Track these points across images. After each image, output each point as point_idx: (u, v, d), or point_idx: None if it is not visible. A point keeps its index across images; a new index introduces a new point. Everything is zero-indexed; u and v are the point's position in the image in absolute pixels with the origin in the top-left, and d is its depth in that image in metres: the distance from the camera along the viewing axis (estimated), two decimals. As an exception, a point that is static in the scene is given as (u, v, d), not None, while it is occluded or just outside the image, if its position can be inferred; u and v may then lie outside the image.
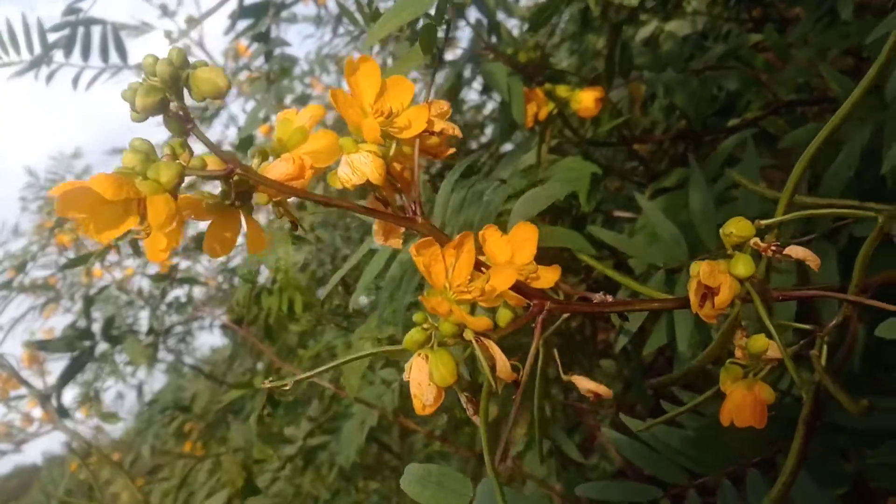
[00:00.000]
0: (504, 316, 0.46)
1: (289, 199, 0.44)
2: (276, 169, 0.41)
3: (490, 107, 1.83)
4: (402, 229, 0.47)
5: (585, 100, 0.88)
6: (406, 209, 0.46)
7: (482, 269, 0.46)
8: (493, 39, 1.01)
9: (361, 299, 1.95)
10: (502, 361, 0.42)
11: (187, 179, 0.40)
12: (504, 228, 0.50)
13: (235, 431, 1.39)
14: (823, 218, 0.76)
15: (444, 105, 0.47)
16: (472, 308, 0.43)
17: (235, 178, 0.41)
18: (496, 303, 0.44)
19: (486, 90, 1.13)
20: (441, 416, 2.25)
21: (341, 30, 1.79)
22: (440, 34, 0.59)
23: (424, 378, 0.41)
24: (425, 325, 0.42)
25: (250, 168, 0.41)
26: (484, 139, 2.12)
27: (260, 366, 2.40)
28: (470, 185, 0.75)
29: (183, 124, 0.40)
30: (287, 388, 0.46)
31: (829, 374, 0.48)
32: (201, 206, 0.42)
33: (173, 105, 0.39)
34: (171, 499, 2.21)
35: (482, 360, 0.42)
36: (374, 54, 1.36)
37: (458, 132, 0.47)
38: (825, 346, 0.54)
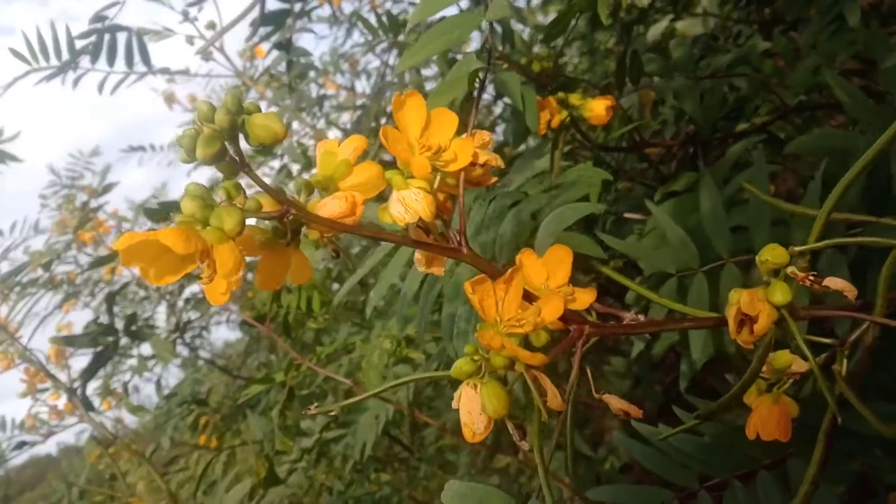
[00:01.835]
0: (540, 337, 0.47)
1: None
2: (329, 207, 0.42)
3: (501, 107, 1.86)
4: (445, 258, 0.48)
5: (597, 108, 0.91)
6: (448, 238, 0.47)
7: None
8: (507, 48, 1.04)
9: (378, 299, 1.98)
10: (552, 391, 0.43)
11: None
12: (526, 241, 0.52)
13: (254, 424, 1.43)
14: (836, 227, 0.78)
15: (487, 136, 0.48)
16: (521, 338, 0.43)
17: (290, 217, 0.41)
18: (538, 329, 0.45)
19: (499, 95, 1.16)
20: (452, 411, 2.28)
21: (355, 32, 1.83)
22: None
23: (475, 408, 0.41)
24: (475, 357, 0.43)
25: (304, 207, 0.42)
26: (495, 137, 2.15)
27: (274, 358, 2.45)
28: (490, 199, 0.76)
29: (238, 168, 0.40)
30: (332, 413, 0.47)
31: (852, 389, 0.50)
32: (254, 244, 0.42)
33: (230, 151, 0.39)
34: (190, 489, 2.26)
35: (534, 391, 0.42)
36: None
37: (500, 163, 0.48)
38: (845, 360, 0.57)
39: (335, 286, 1.79)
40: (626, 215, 1.23)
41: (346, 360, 1.63)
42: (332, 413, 0.49)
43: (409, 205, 0.43)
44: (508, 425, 0.44)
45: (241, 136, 0.40)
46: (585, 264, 1.16)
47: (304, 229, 0.44)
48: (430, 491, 2.63)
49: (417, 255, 0.49)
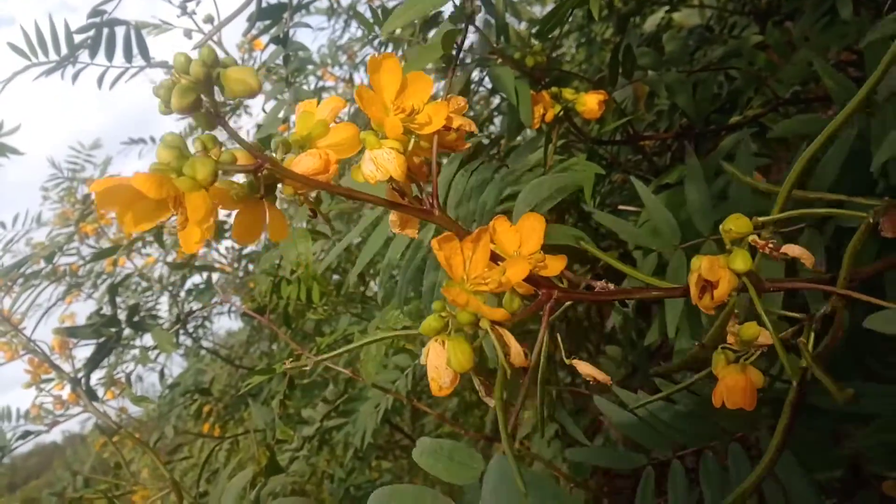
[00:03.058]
0: (512, 301, 0.49)
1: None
2: (303, 163, 0.43)
3: (498, 99, 1.86)
4: (418, 220, 0.49)
5: (589, 102, 0.92)
6: (422, 201, 0.48)
7: (493, 259, 0.47)
8: (502, 41, 1.05)
9: (374, 286, 2.00)
10: (516, 348, 0.44)
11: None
12: (508, 215, 0.53)
13: (256, 413, 1.45)
14: (814, 207, 0.80)
15: (462, 101, 0.49)
16: (486, 296, 0.45)
17: (264, 172, 0.42)
18: (506, 290, 0.46)
19: (495, 90, 1.17)
20: (452, 398, 2.31)
21: (353, 24, 1.83)
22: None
23: (442, 363, 0.43)
24: (442, 314, 0.44)
25: (278, 162, 0.43)
26: (493, 128, 2.16)
27: (276, 349, 2.47)
28: (473, 169, 0.78)
29: (214, 120, 0.41)
30: (307, 368, 0.49)
31: (816, 361, 0.51)
32: (229, 197, 0.43)
33: (205, 102, 0.40)
34: (193, 477, 2.29)
35: (497, 347, 0.44)
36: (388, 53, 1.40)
37: (473, 128, 0.49)
38: (812, 334, 0.59)
39: (335, 277, 1.81)
40: (621, 207, 1.25)
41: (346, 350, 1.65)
42: (307, 367, 0.51)
43: (380, 164, 0.44)
44: (475, 380, 0.46)
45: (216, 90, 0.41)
46: (581, 255, 1.18)
47: (279, 186, 0.45)
48: (431, 479, 2.67)
49: (392, 216, 0.50)
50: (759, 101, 1.18)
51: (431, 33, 0.97)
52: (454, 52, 0.73)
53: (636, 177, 1.33)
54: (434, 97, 0.48)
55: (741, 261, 0.48)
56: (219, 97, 0.42)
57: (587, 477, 1.76)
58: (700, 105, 1.11)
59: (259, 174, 0.43)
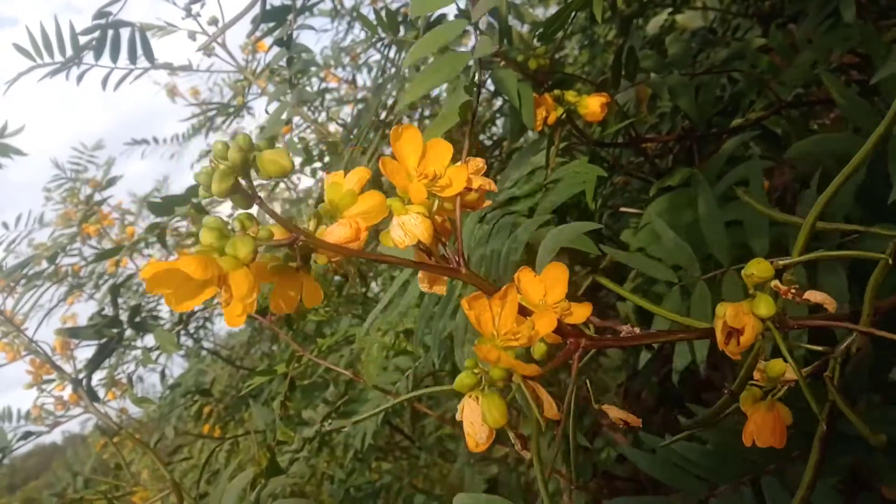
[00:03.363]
0: (539, 349, 0.50)
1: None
2: (335, 233, 0.45)
3: (500, 101, 1.87)
4: (446, 278, 0.51)
5: (592, 105, 0.92)
6: (448, 259, 0.50)
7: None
8: (505, 44, 1.05)
9: (375, 288, 2.01)
10: (548, 402, 0.46)
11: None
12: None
13: (256, 414, 1.45)
14: (830, 234, 0.79)
15: (480, 162, 0.52)
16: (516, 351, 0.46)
17: (299, 244, 0.45)
18: (534, 343, 0.48)
19: (497, 93, 1.17)
20: (452, 399, 2.31)
21: (356, 26, 1.84)
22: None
23: (477, 419, 0.44)
24: (475, 370, 0.46)
25: (312, 234, 0.45)
26: (495, 129, 2.16)
27: (276, 349, 2.48)
28: (496, 219, 0.80)
29: (251, 201, 0.43)
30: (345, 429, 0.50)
31: (843, 399, 0.51)
32: (265, 270, 0.45)
33: (243, 184, 0.43)
34: (193, 478, 2.29)
35: (531, 401, 0.45)
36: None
37: (493, 187, 0.52)
38: (838, 367, 0.58)
39: (336, 279, 1.81)
40: (622, 209, 1.25)
41: (346, 351, 1.65)
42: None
43: (408, 229, 0.46)
44: (510, 435, 0.47)
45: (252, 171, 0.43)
46: (583, 256, 1.18)
47: (313, 255, 0.47)
48: (431, 479, 2.66)
49: (420, 275, 0.52)
50: (761, 104, 1.18)
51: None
52: (473, 113, 0.77)
53: (638, 179, 1.34)
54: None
55: (765, 307, 0.49)
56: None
57: (588, 479, 1.76)
58: (702, 108, 1.11)
59: (295, 246, 0.45)
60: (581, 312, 0.51)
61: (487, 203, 0.53)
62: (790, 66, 1.18)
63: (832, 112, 1.44)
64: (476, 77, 0.72)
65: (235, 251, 0.41)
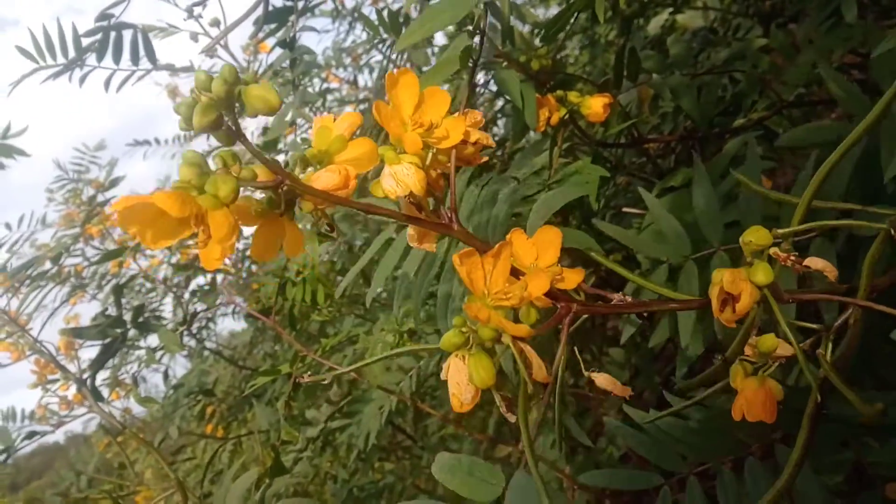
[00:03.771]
0: (529, 314, 0.48)
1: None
2: (323, 179, 0.43)
3: (502, 101, 1.87)
4: (436, 234, 0.49)
5: (594, 105, 0.92)
6: (440, 214, 0.48)
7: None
8: (508, 45, 1.06)
9: (379, 290, 2.01)
10: (538, 364, 0.44)
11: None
12: (519, 225, 0.53)
13: (260, 414, 1.46)
14: (826, 215, 0.80)
15: (478, 115, 0.49)
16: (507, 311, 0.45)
17: (284, 188, 0.42)
18: (525, 304, 0.46)
19: (500, 93, 1.18)
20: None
21: (358, 26, 1.84)
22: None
23: (463, 378, 0.43)
24: (463, 329, 0.44)
25: (298, 179, 0.43)
26: (497, 129, 2.16)
27: (279, 349, 2.48)
28: (484, 183, 0.78)
29: (234, 137, 0.41)
30: (326, 381, 0.50)
31: (837, 374, 0.51)
32: (249, 213, 0.43)
33: (226, 120, 0.40)
34: (197, 477, 2.30)
35: (520, 362, 0.43)
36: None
37: (490, 142, 0.50)
38: (830, 344, 0.58)
39: (339, 279, 1.81)
40: (625, 210, 1.25)
41: (349, 351, 1.66)
42: (325, 381, 0.51)
43: (400, 179, 0.45)
44: (496, 396, 0.45)
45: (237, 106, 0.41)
46: (585, 257, 1.18)
47: (298, 201, 0.45)
48: (433, 480, 2.67)
49: (410, 230, 0.50)
50: (763, 104, 1.19)
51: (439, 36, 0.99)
52: (470, 66, 0.74)
53: (640, 179, 1.34)
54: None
55: (763, 273, 0.48)
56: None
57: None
58: (704, 108, 1.12)
59: (279, 190, 0.43)
60: (573, 278, 0.50)
61: (484, 159, 0.51)
62: (791, 66, 1.18)
63: (834, 112, 1.44)
64: (481, 23, 0.69)
65: (216, 189, 0.38)
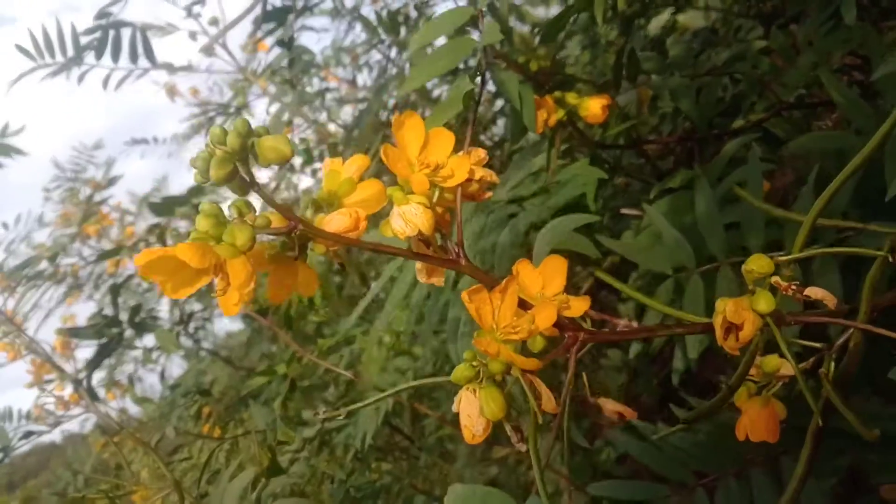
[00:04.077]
0: (536, 343, 0.50)
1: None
2: (334, 222, 0.45)
3: (501, 102, 1.87)
4: (444, 269, 0.51)
5: (593, 107, 0.92)
6: (447, 249, 0.50)
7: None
8: (506, 45, 1.05)
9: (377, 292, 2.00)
10: (547, 395, 0.45)
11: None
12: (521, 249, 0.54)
13: (256, 414, 1.45)
14: (827, 231, 0.80)
15: (482, 153, 0.51)
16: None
17: (297, 232, 0.44)
18: (534, 336, 0.47)
19: (498, 94, 1.17)
20: (452, 400, 2.31)
21: (357, 25, 1.84)
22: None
23: (474, 411, 0.44)
24: (473, 363, 0.45)
25: (311, 223, 0.45)
26: (496, 129, 2.16)
27: (275, 350, 2.48)
28: (490, 211, 0.79)
29: (249, 188, 0.42)
30: (340, 416, 0.50)
31: (838, 394, 0.51)
32: (263, 258, 0.45)
33: (241, 171, 0.42)
34: (193, 477, 2.29)
35: (529, 394, 0.44)
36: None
37: (495, 178, 0.51)
38: (832, 363, 0.58)
39: (335, 279, 1.81)
40: (623, 211, 1.25)
41: (346, 352, 1.65)
42: (340, 416, 0.52)
43: (409, 219, 0.46)
44: (506, 427, 0.46)
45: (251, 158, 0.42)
46: (583, 257, 1.18)
47: (310, 244, 0.46)
48: (431, 480, 2.66)
49: (419, 266, 0.51)
50: (762, 106, 1.19)
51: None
52: (475, 102, 0.76)
53: (639, 181, 1.34)
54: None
55: (765, 303, 0.49)
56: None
57: (587, 481, 1.76)
58: (703, 109, 1.11)
59: (293, 235, 0.44)
60: (579, 306, 0.51)
61: (488, 195, 0.53)
62: (791, 68, 1.18)
63: (834, 114, 1.44)
64: (481, 65, 0.71)
65: (233, 239, 0.40)
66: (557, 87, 0.97)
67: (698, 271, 0.84)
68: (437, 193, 0.48)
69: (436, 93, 1.84)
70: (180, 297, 0.41)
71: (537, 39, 0.99)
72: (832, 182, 0.53)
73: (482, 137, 2.00)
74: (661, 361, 1.82)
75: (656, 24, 1.87)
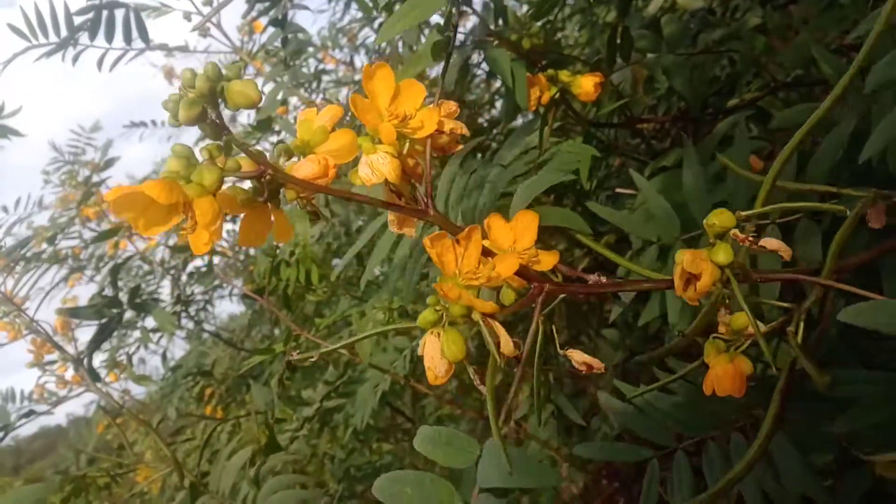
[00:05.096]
0: (508, 296, 0.51)
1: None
2: (304, 168, 0.46)
3: (499, 83, 1.86)
4: (416, 219, 0.52)
5: (585, 85, 0.92)
6: (419, 201, 0.51)
7: (488, 255, 0.50)
8: (500, 23, 1.05)
9: (374, 270, 2.01)
10: (505, 339, 0.47)
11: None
12: (506, 211, 0.55)
13: (256, 394, 1.47)
14: (810, 198, 0.81)
15: (453, 106, 0.52)
16: (479, 290, 0.48)
17: (267, 177, 0.45)
18: (500, 285, 0.49)
19: (492, 73, 1.17)
20: (451, 381, 2.33)
21: (353, 6, 1.83)
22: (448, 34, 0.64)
23: (437, 353, 0.46)
24: (437, 307, 0.47)
25: (280, 168, 0.46)
26: (495, 112, 2.16)
27: (277, 332, 2.50)
28: (472, 170, 0.80)
29: (219, 130, 0.44)
30: (314, 359, 0.52)
31: (803, 349, 0.52)
32: (235, 202, 0.46)
33: (210, 114, 0.43)
34: (195, 459, 2.32)
35: (488, 338, 0.46)
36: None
37: (465, 131, 0.52)
38: (802, 323, 0.59)
39: (335, 261, 1.82)
40: (619, 190, 1.25)
41: (346, 332, 1.67)
42: (313, 359, 0.54)
43: (376, 167, 0.47)
44: (468, 370, 0.48)
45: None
46: (577, 239, 1.18)
47: (283, 190, 0.47)
48: (431, 461, 2.70)
49: (390, 216, 0.53)
50: (757, 85, 1.18)
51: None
52: (447, 54, 0.76)
53: (634, 160, 1.34)
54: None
55: (723, 254, 0.50)
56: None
57: (586, 460, 1.78)
58: (697, 88, 1.11)
59: (263, 180, 0.45)
60: (548, 260, 0.52)
61: (459, 147, 0.54)
62: (787, 47, 1.18)
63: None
64: (451, 17, 0.71)
65: (201, 178, 0.42)
66: (552, 66, 0.97)
67: (682, 239, 0.85)
68: (407, 145, 0.49)
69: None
70: (151, 234, 0.42)
71: (530, 16, 0.98)
72: (787, 146, 0.54)
73: (480, 120, 2.00)
74: (657, 340, 1.83)
75: (654, 5, 1.86)
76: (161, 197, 0.39)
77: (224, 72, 0.44)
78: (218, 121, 0.43)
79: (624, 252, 1.19)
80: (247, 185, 0.47)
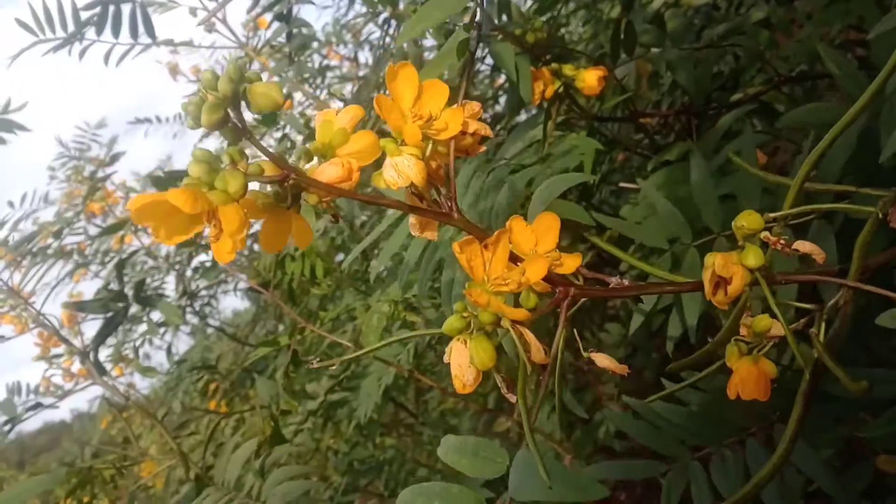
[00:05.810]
0: (529, 299, 0.50)
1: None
2: (327, 172, 0.45)
3: (503, 77, 1.86)
4: (438, 223, 0.51)
5: (589, 79, 0.93)
6: (441, 203, 0.50)
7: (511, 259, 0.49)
8: (504, 18, 1.06)
9: (382, 268, 2.02)
10: (536, 346, 0.46)
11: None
12: (518, 212, 0.54)
13: (261, 387, 1.48)
14: (822, 198, 0.80)
15: (477, 106, 0.51)
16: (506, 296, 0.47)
17: (290, 182, 0.44)
18: (524, 289, 0.48)
19: (498, 68, 1.18)
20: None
21: (358, 1, 1.84)
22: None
23: (465, 361, 0.45)
24: (464, 314, 0.46)
25: (304, 173, 0.45)
26: (499, 107, 2.16)
27: (281, 328, 2.50)
28: (489, 170, 0.79)
29: (241, 134, 0.42)
30: (333, 367, 0.51)
31: (827, 352, 0.52)
32: (256, 207, 0.45)
33: (232, 117, 0.42)
34: (199, 453, 2.33)
35: (518, 345, 0.45)
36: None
37: (489, 132, 0.51)
38: (823, 324, 0.59)
39: (340, 256, 1.83)
40: (622, 185, 1.26)
41: (350, 326, 1.67)
42: (333, 367, 0.53)
43: (401, 170, 0.46)
44: (496, 378, 0.47)
45: (243, 104, 0.42)
46: (583, 234, 1.19)
47: (304, 194, 0.46)
48: (434, 455, 2.71)
49: (412, 219, 0.52)
50: (761, 80, 1.18)
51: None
52: (468, 58, 0.76)
53: (638, 155, 1.34)
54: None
55: (753, 257, 0.50)
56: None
57: (589, 453, 1.78)
58: (701, 82, 1.11)
59: (285, 184, 0.44)
60: (571, 263, 0.51)
61: (482, 149, 0.53)
62: (791, 42, 1.18)
63: (839, 92, 1.43)
64: (476, 16, 0.70)
65: (225, 185, 0.40)
66: (556, 60, 0.98)
67: (694, 245, 0.85)
68: (430, 146, 0.48)
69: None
70: (173, 243, 0.41)
71: (534, 10, 0.99)
72: (816, 148, 0.53)
73: (484, 115, 2.00)
74: (661, 336, 1.83)
75: (659, 0, 1.86)
76: (186, 206, 0.38)
77: (246, 73, 0.42)
78: (240, 124, 0.42)
79: (627, 247, 1.20)
80: (261, 187, 0.46)
